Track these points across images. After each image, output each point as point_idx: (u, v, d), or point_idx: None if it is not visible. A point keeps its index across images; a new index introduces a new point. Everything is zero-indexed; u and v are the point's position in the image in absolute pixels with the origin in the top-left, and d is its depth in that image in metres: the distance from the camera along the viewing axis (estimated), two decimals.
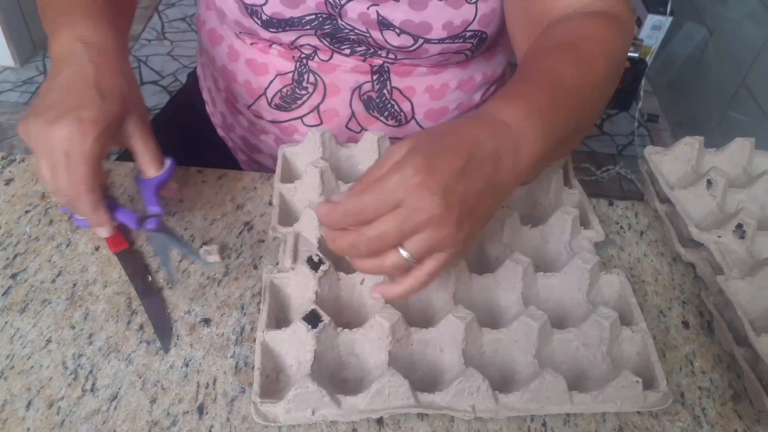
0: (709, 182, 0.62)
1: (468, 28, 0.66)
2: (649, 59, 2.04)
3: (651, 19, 1.99)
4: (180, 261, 0.58)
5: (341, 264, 0.54)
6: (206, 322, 0.53)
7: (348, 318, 0.53)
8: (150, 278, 0.56)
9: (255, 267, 0.58)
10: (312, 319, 0.48)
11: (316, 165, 0.59)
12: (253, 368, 0.50)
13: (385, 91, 0.72)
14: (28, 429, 0.46)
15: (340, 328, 0.50)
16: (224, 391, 0.49)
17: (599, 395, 0.48)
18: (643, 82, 2.01)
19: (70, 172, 0.50)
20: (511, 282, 0.54)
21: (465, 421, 0.48)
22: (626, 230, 0.65)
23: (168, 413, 0.47)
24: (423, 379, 0.50)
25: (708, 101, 1.87)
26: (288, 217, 0.60)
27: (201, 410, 0.48)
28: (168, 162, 0.56)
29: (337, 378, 0.50)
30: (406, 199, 0.42)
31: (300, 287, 0.53)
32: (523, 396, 0.47)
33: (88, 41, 0.54)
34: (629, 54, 1.98)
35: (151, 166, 0.55)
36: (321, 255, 0.52)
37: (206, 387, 0.49)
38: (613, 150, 1.89)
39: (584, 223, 0.61)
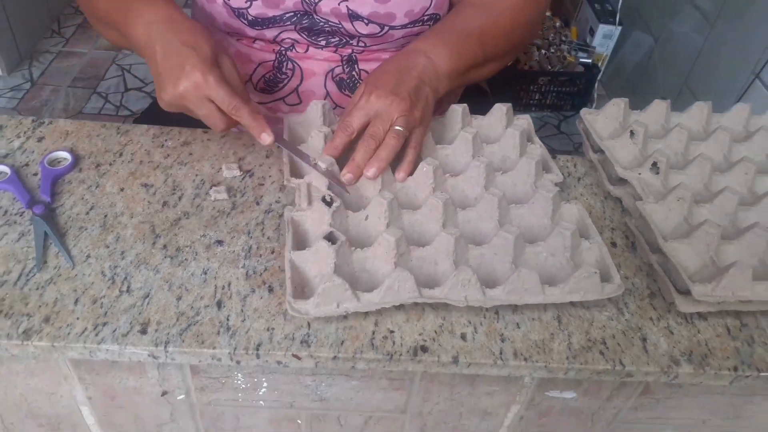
0: (632, 132, 0.75)
1: (426, 13, 0.79)
2: (602, 65, 2.21)
3: (602, 29, 2.17)
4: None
5: (348, 205, 0.65)
6: (219, 242, 0.64)
7: (356, 247, 0.62)
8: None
9: (257, 203, 0.69)
10: (331, 237, 0.58)
11: (320, 130, 0.70)
12: (260, 275, 0.61)
13: (354, 72, 0.85)
14: (77, 318, 0.56)
15: (353, 248, 0.60)
16: (238, 291, 0.60)
17: (566, 287, 0.59)
18: (596, 86, 2.18)
19: (220, 102, 0.65)
20: (489, 212, 0.65)
21: (433, 309, 0.59)
22: (567, 177, 0.78)
23: (192, 307, 0.58)
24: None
25: None
26: (297, 171, 0.70)
27: (219, 304, 0.58)
28: (70, 158, 0.70)
29: None
30: (374, 108, 0.67)
31: (316, 222, 0.63)
32: (505, 289, 0.58)
33: (158, 21, 0.67)
34: (584, 60, 2.15)
35: (237, 88, 0.68)
36: (332, 195, 0.63)
37: (222, 288, 0.60)
38: (570, 147, 2.04)
39: (546, 169, 0.73)
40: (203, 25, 0.69)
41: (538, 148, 0.74)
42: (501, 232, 0.60)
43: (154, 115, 0.91)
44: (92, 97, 2.07)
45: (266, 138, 0.67)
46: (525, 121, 0.77)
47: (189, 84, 0.64)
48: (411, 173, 0.69)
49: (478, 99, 1.01)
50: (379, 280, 0.60)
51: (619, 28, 2.17)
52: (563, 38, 2.19)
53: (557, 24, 2.24)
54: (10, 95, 2.04)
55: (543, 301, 0.59)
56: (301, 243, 0.63)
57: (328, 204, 0.62)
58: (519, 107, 2.18)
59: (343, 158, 0.68)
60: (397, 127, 0.67)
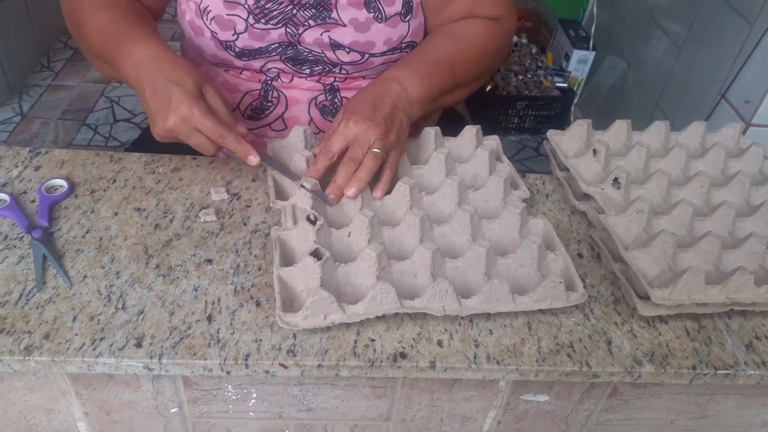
0: (594, 151, 0.80)
1: (403, 41, 0.84)
2: (577, 89, 2.29)
3: (577, 54, 2.25)
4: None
5: (332, 222, 0.69)
6: (209, 261, 0.68)
7: (340, 263, 0.65)
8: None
9: (244, 224, 0.73)
10: (316, 254, 0.62)
11: (302, 154, 0.75)
12: (248, 290, 0.65)
13: (336, 100, 0.90)
14: (76, 334, 0.59)
15: (337, 263, 0.64)
16: (227, 306, 0.63)
17: (534, 295, 0.63)
18: (573, 109, 2.25)
19: (207, 132, 0.70)
20: (463, 227, 0.69)
21: (411, 318, 0.63)
22: (536, 194, 0.83)
23: (184, 321, 0.62)
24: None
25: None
26: (282, 193, 0.75)
27: (209, 319, 0.62)
28: (66, 185, 0.74)
29: None
30: (353, 134, 0.72)
31: (301, 240, 0.67)
32: (479, 298, 0.62)
33: (144, 60, 0.71)
34: (560, 85, 2.23)
35: (223, 114, 0.73)
36: (316, 214, 0.67)
37: (212, 304, 0.64)
38: (549, 169, 2.10)
39: (513, 186, 0.79)
40: (186, 60, 0.74)
41: (506, 167, 0.80)
42: (474, 246, 0.65)
43: (144, 145, 0.95)
44: (82, 129, 2.11)
45: (252, 159, 0.72)
46: (493, 141, 0.82)
47: (177, 118, 0.69)
48: (387, 192, 0.73)
49: (454, 122, 1.06)
50: (362, 293, 0.63)
51: (593, 53, 2.26)
52: (539, 64, 2.27)
53: (533, 50, 2.31)
54: (0, 128, 2.07)
55: (514, 309, 0.63)
56: (288, 260, 0.67)
57: (313, 222, 0.66)
58: (498, 131, 2.24)
59: (325, 179, 0.73)
60: (374, 150, 0.72)
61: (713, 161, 0.82)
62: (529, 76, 2.22)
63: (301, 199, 0.72)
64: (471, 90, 0.87)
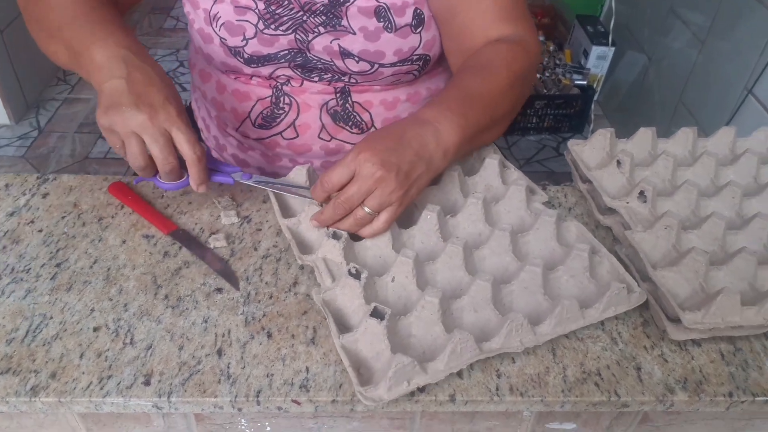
0: (618, 162, 0.76)
1: (415, 53, 0.81)
2: (597, 86, 2.24)
3: (596, 51, 2.20)
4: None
5: (374, 270, 0.65)
6: (219, 290, 0.66)
7: (399, 315, 0.61)
8: (204, 243, 0.71)
9: (255, 249, 0.71)
10: (377, 314, 0.57)
11: (312, 203, 0.69)
12: (259, 321, 0.63)
13: (347, 105, 0.87)
14: (83, 372, 0.58)
15: (397, 316, 0.59)
16: (237, 338, 0.61)
17: (600, 306, 0.61)
18: (593, 106, 2.20)
19: (184, 142, 0.65)
20: (503, 247, 0.67)
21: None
22: (558, 207, 0.80)
23: (193, 356, 0.59)
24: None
25: (652, 119, 2.06)
26: (304, 246, 0.69)
27: (220, 353, 0.60)
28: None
29: None
30: (358, 170, 0.63)
31: (348, 297, 0.61)
32: (551, 322, 0.60)
33: (128, 47, 0.68)
34: (579, 82, 2.18)
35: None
36: (358, 267, 0.62)
37: (222, 336, 0.61)
38: (569, 169, 2.06)
39: (530, 191, 0.76)
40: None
41: (514, 172, 0.77)
42: (528, 267, 0.62)
43: None
44: (98, 141, 2.12)
45: (203, 188, 0.69)
46: (491, 149, 0.79)
47: (164, 113, 0.64)
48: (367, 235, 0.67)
49: None
50: (428, 343, 0.60)
51: (613, 48, 2.20)
52: (557, 61, 2.22)
53: (551, 48, 2.27)
54: (18, 144, 2.09)
55: (582, 324, 0.61)
56: (338, 321, 0.61)
57: (356, 277, 0.61)
58: (517, 131, 2.20)
59: None
60: (365, 209, 0.64)
61: (745, 169, 0.78)
62: (547, 74, 2.17)
63: (330, 250, 0.66)
64: (506, 124, 0.79)
